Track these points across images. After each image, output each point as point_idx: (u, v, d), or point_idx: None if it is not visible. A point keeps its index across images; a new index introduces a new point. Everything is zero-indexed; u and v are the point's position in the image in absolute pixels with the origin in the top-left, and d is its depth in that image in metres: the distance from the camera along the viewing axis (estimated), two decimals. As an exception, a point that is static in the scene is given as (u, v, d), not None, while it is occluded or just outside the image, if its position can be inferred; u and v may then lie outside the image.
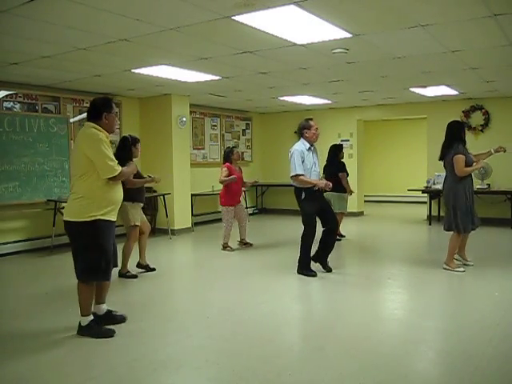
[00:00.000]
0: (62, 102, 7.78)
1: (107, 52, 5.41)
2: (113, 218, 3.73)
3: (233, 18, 4.22)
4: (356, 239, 8.16)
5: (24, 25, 4.34)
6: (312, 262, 5.62)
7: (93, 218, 3.57)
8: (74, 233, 3.66)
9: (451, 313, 4.31)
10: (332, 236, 5.66)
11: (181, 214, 9.04)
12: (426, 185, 9.82)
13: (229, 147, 7.90)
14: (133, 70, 6.48)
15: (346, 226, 9.38)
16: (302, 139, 5.65)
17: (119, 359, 3.37)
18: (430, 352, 3.46)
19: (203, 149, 10.64)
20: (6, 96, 7.07)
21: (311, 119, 5.72)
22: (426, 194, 10.01)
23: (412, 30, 4.63)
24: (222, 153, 11.02)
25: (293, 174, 5.46)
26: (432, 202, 9.80)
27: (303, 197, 5.49)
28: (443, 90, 8.60)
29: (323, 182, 5.48)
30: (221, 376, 3.09)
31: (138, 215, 5.54)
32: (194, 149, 10.21)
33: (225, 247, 7.25)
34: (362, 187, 11.20)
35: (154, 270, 5.88)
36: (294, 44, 5.17)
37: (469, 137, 9.74)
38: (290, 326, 4.14)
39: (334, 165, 7.84)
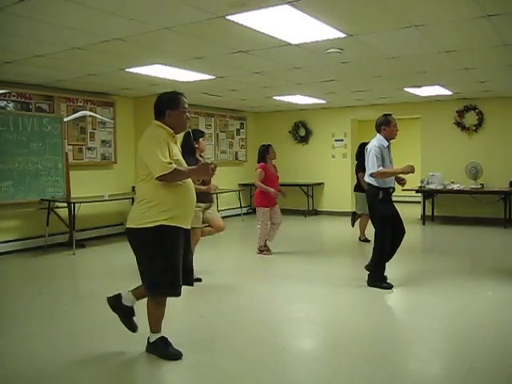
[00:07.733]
0: (55, 101, 7.73)
1: (102, 51, 5.39)
2: (181, 224, 3.21)
3: (227, 17, 4.21)
4: (355, 239, 8.14)
5: (18, 23, 4.31)
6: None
7: (155, 224, 3.11)
8: (136, 241, 3.22)
9: (444, 312, 4.33)
10: (397, 245, 5.18)
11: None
12: (419, 184, 9.85)
13: (264, 145, 6.97)
14: (127, 70, 6.46)
15: (341, 226, 9.40)
16: (378, 136, 5.14)
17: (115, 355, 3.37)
18: (423, 352, 3.47)
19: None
20: (0, 95, 7.03)
21: (390, 115, 5.19)
22: (419, 194, 10.04)
23: (406, 30, 4.64)
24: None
25: (373, 170, 4.91)
26: (426, 201, 9.83)
27: (381, 196, 4.92)
28: (437, 90, 8.62)
29: (408, 167, 4.96)
30: (218, 376, 3.08)
31: (196, 218, 4.86)
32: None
33: (261, 250, 6.79)
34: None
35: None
36: (288, 44, 5.17)
37: (462, 137, 9.89)
38: (285, 327, 4.13)
39: (357, 164, 7.50)
